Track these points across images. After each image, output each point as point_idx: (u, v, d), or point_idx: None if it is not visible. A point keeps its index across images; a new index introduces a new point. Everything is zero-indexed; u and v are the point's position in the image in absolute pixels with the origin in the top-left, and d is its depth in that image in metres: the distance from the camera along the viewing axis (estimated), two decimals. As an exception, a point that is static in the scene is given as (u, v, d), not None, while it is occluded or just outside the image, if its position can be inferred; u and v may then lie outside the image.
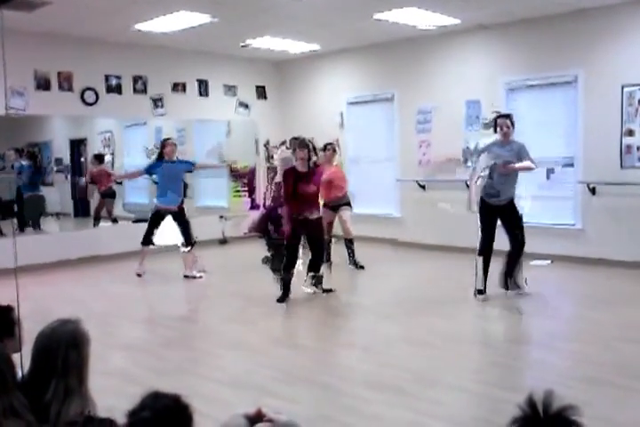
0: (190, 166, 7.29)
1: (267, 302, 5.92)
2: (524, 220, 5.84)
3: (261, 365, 4.14)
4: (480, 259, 5.72)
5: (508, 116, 5.67)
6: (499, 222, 5.74)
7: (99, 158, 9.06)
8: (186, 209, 7.22)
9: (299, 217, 5.77)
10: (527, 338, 4.74)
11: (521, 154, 5.55)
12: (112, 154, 9.42)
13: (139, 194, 9.92)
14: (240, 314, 5.63)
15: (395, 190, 9.12)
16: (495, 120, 5.74)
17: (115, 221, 9.09)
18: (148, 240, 7.03)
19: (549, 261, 7.35)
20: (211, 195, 10.08)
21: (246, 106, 10.14)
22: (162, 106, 9.07)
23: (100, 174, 8.95)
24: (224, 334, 4.98)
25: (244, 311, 5.71)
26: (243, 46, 8.82)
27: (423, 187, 8.67)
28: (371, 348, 4.47)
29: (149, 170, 7.14)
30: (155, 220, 7.01)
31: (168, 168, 6.91)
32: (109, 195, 9.07)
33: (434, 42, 8.43)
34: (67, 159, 9.19)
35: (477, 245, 5.81)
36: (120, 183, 9.38)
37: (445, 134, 8.41)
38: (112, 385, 3.67)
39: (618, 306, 5.37)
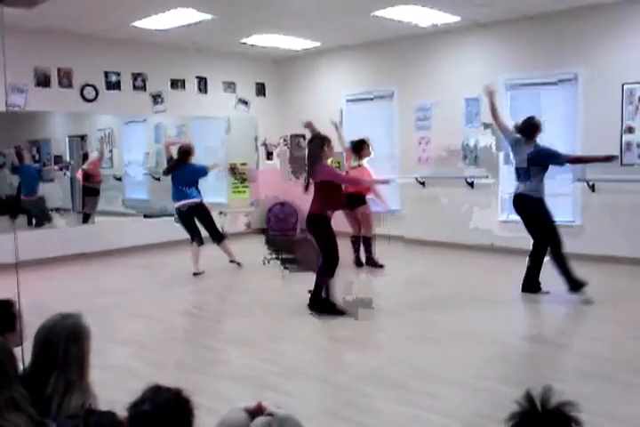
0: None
1: (267, 296, 5.94)
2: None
3: (262, 359, 4.16)
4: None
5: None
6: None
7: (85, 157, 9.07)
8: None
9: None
10: (528, 334, 4.74)
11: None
12: (111, 151, 9.42)
13: (138, 190, 9.93)
14: (241, 309, 5.65)
15: (395, 187, 9.11)
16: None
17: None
18: (197, 239, 7.08)
19: (549, 258, 7.35)
20: (209, 191, 10.07)
21: (246, 103, 10.14)
22: (161, 102, 9.07)
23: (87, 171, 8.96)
24: (225, 328, 5.00)
25: (244, 306, 5.72)
26: (242, 43, 8.82)
27: (423, 184, 8.68)
28: (372, 343, 4.49)
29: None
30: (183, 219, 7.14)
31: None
32: (92, 192, 9.06)
33: (434, 39, 8.42)
34: (66, 156, 9.20)
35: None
36: (119, 179, 9.40)
37: (445, 132, 8.42)
38: (113, 379, 3.68)
39: (618, 302, 5.39)
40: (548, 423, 1.35)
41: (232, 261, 7.24)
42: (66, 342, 2.10)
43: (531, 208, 5.66)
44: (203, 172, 7.21)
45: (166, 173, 7.26)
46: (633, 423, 3.04)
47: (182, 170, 7.03)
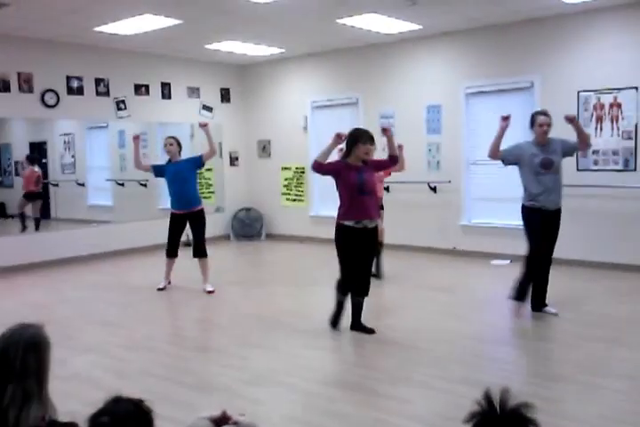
0: (198, 161, 6.48)
1: (232, 303, 5.92)
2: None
3: (228, 367, 4.15)
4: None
5: (547, 114, 5.15)
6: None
7: (31, 160, 8.87)
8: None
9: (357, 225, 4.67)
10: (490, 336, 4.81)
11: (565, 145, 5.13)
12: (73, 156, 9.30)
13: (104, 196, 9.80)
14: (204, 316, 5.62)
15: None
16: (532, 117, 5.16)
17: (37, 221, 8.79)
18: (170, 251, 6.53)
19: (509, 261, 7.53)
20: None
21: (210, 109, 10.12)
22: (125, 108, 8.98)
23: (30, 176, 8.78)
24: (191, 336, 4.97)
25: (207, 313, 5.70)
26: (207, 49, 8.76)
27: (387, 189, 8.77)
28: (338, 348, 4.51)
29: (156, 171, 6.54)
30: (172, 225, 6.52)
31: (173, 170, 6.39)
32: (35, 196, 8.85)
33: (396, 47, 8.56)
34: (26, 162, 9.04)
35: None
36: (82, 185, 9.28)
37: (408, 138, 8.51)
38: (74, 389, 3.64)
39: (577, 304, 5.52)
40: (506, 425, 1.38)
41: (210, 292, 6.39)
42: (23, 353, 2.05)
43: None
44: (198, 161, 6.48)
45: (157, 173, 6.53)
46: (594, 424, 3.11)
47: (176, 165, 6.43)
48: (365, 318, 4.88)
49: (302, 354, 4.41)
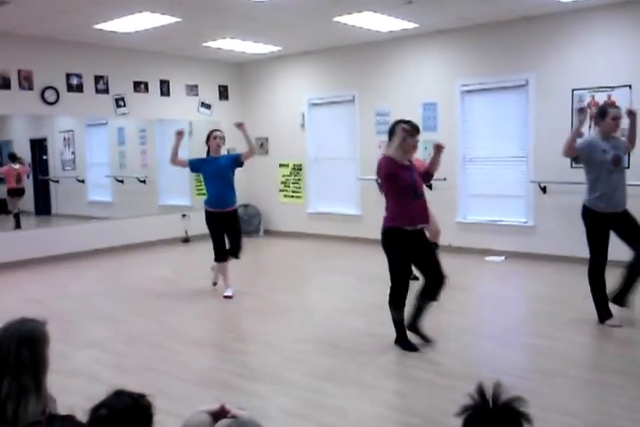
0: (238, 159, 6.06)
1: (230, 299, 5.98)
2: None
3: (225, 361, 4.23)
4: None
5: (618, 107, 4.87)
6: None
7: (11, 157, 8.91)
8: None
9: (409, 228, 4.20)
10: (486, 332, 4.88)
11: (625, 143, 4.84)
12: (73, 153, 9.35)
13: (103, 192, 9.86)
14: (203, 311, 5.69)
15: (355, 189, 9.26)
16: (603, 109, 4.77)
17: (16, 216, 8.81)
18: (219, 255, 6.09)
19: (503, 257, 7.62)
20: (173, 192, 10.07)
21: (208, 106, 10.16)
22: (124, 105, 9.03)
23: (9, 173, 8.82)
24: (187, 331, 5.03)
25: (206, 308, 5.77)
26: (205, 47, 8.79)
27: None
28: (336, 343, 4.57)
29: (192, 167, 6.12)
30: (213, 227, 6.08)
31: (214, 166, 5.96)
32: (18, 192, 8.90)
33: (393, 45, 8.61)
34: (28, 158, 9.10)
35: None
36: (82, 181, 9.34)
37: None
38: (75, 384, 3.72)
39: (569, 300, 5.60)
40: (498, 418, 1.42)
41: (227, 297, 6.06)
42: (17, 347, 2.08)
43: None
44: (238, 159, 6.04)
45: (194, 168, 6.13)
46: (588, 418, 3.17)
47: (217, 160, 6.01)
48: (367, 311, 4.94)
49: (301, 349, 4.47)
